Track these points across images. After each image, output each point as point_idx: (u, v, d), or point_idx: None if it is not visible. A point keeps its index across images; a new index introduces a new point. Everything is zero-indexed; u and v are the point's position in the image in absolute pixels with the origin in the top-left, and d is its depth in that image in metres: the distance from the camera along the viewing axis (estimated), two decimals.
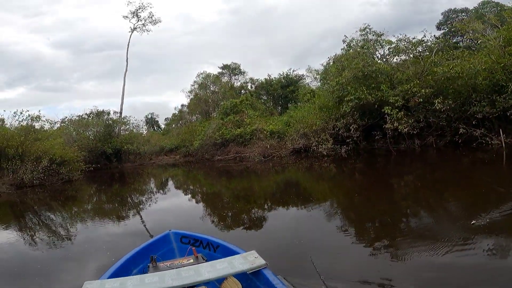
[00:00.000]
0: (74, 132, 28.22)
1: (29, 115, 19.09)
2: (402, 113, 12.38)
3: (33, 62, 57.33)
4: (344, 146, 15.26)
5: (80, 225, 7.93)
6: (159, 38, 61.49)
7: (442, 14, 29.61)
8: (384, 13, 50.99)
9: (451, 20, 27.48)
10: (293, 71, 31.32)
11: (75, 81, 59.94)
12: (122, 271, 3.18)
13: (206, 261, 3.22)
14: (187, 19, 65.20)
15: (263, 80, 32.34)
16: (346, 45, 14.01)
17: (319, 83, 28.06)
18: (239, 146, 20.84)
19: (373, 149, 15.51)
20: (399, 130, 12.48)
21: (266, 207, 8.32)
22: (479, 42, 13.40)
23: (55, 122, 27.92)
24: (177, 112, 39.96)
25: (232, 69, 33.86)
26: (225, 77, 33.83)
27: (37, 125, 20.13)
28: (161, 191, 14.94)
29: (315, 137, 15.81)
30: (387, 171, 11.87)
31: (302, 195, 9.73)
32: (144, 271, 3.28)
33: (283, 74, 31.58)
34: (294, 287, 3.08)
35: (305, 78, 31.32)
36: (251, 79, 33.48)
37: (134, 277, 2.89)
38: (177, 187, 16.57)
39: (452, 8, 29.72)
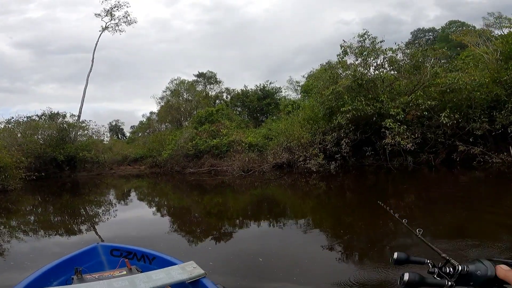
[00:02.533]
0: (19, 135, 23.97)
1: None
2: (405, 127, 11.04)
3: None
4: (333, 162, 13.64)
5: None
6: (131, 43, 57.83)
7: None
8: (355, 32, 52.08)
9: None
10: (270, 83, 29.86)
11: (34, 83, 54.28)
12: (39, 283, 2.73)
13: (141, 272, 2.89)
14: (164, 26, 62.43)
15: (239, 91, 30.50)
16: (342, 51, 12.64)
17: (299, 95, 26.87)
18: (215, 158, 18.46)
19: (363, 166, 14.04)
20: (401, 146, 11.07)
21: (239, 226, 7.35)
22: (469, 56, 12.60)
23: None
24: (144, 120, 36.62)
25: (208, 78, 31.67)
26: (200, 86, 31.51)
27: None
28: (120, 203, 12.66)
29: (302, 151, 14.03)
30: (384, 191, 10.31)
31: (283, 216, 8.09)
32: (67, 283, 2.87)
33: (260, 86, 30.02)
34: None
35: (281, 91, 29.99)
36: (227, 89, 31.52)
37: None
38: (139, 200, 14.13)
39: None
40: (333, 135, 13.19)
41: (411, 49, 12.15)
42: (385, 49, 12.03)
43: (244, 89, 30.39)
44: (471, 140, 11.25)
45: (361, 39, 12.60)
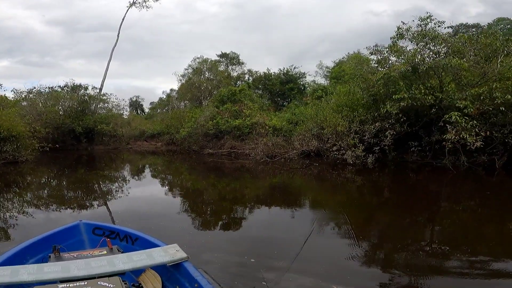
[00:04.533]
0: (40, 105, 22.78)
1: None
2: (474, 122, 8.83)
3: (22, 37, 52.27)
4: (370, 155, 11.59)
5: None
6: (156, 23, 56.19)
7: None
8: (385, 24, 48.22)
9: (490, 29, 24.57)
10: (294, 68, 27.45)
11: (63, 58, 54.11)
12: (15, 260, 2.56)
13: (122, 253, 2.73)
14: (188, 7, 59.68)
15: (262, 74, 28.26)
16: (397, 34, 10.32)
17: (326, 81, 24.45)
18: (235, 140, 16.65)
19: (404, 162, 11.94)
20: (469, 143, 8.90)
21: (251, 217, 6.27)
22: None
23: (21, 92, 22.51)
24: (164, 97, 35.02)
25: (231, 59, 29.45)
26: (222, 66, 29.35)
27: None
28: (133, 180, 11.64)
29: (337, 140, 12.03)
30: (431, 193, 8.30)
31: (309, 214, 6.51)
32: (43, 261, 2.64)
33: (283, 69, 27.66)
34: (214, 280, 2.88)
35: (305, 76, 27.55)
36: (250, 71, 29.27)
37: (30, 265, 2.36)
38: (153, 178, 13.03)
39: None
40: (375, 125, 11.07)
41: (482, 37, 9.65)
42: (456, 35, 9.67)
43: (267, 72, 28.13)
44: None
45: (423, 22, 10.21)
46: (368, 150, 11.66)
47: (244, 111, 17.60)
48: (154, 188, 10.21)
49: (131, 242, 3.14)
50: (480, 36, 9.84)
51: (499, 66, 9.37)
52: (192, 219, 6.09)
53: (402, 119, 10.29)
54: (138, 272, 2.56)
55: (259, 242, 4.57)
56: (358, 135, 11.95)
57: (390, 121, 10.69)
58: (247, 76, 29.13)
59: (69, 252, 2.71)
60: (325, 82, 24.35)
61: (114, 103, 25.90)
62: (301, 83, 27.39)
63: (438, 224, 5.83)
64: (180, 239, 4.07)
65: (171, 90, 33.59)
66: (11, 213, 6.27)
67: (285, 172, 12.12)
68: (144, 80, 65.01)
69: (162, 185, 11.25)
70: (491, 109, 9.02)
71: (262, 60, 47.07)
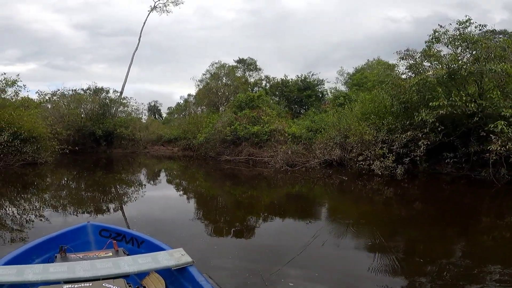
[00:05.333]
0: (64, 107, 23.03)
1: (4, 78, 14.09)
2: None
3: (48, 40, 54.02)
4: (399, 166, 10.64)
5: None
6: (174, 29, 56.97)
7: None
8: (405, 31, 46.75)
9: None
10: (312, 74, 26.66)
11: (86, 62, 55.60)
12: (21, 260, 2.55)
13: (128, 255, 2.71)
14: (206, 13, 60.31)
15: (279, 80, 27.64)
16: (433, 38, 9.44)
17: (346, 88, 23.53)
18: (254, 147, 16.01)
19: (437, 174, 10.91)
20: None
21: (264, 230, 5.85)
22: None
23: (45, 94, 22.82)
24: (182, 102, 34.99)
25: (248, 64, 29.03)
26: (239, 72, 28.98)
27: (10, 91, 15.09)
28: (149, 185, 11.50)
29: (363, 149, 11.16)
30: (471, 209, 7.32)
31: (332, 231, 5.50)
32: (49, 261, 2.61)
33: (301, 76, 26.94)
34: (218, 285, 2.74)
35: (323, 83, 26.68)
36: (267, 77, 28.70)
37: (36, 265, 2.36)
38: (168, 183, 12.66)
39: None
40: (407, 134, 10.14)
41: None
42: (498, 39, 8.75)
43: (284, 78, 27.49)
44: None
45: (461, 26, 9.31)
46: (396, 160, 10.73)
47: (262, 117, 16.98)
48: (169, 193, 9.95)
49: (137, 244, 3.09)
50: None
51: None
52: (204, 226, 5.97)
53: (439, 128, 9.32)
54: (142, 275, 2.51)
55: (269, 252, 4.38)
56: (386, 145, 11.05)
57: (424, 130, 9.74)
58: (264, 82, 28.59)
59: (76, 253, 2.67)
60: (345, 89, 23.40)
61: (133, 107, 26.02)
62: (319, 90, 26.56)
63: (473, 240, 5.11)
64: (190, 244, 4.17)
65: (189, 95, 33.49)
66: (26, 214, 6.19)
67: (306, 182, 11.34)
68: (162, 85, 65.97)
69: (177, 190, 10.95)
70: None
71: (277, 67, 46.58)
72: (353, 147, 11.76)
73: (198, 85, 28.89)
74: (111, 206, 7.47)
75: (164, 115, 44.84)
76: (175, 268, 2.47)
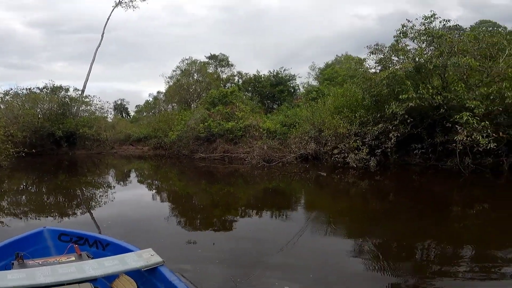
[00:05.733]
0: (17, 107, 20.94)
1: None
2: (487, 122, 8.29)
3: (2, 39, 47.90)
4: (372, 158, 10.94)
5: None
6: (143, 26, 54.27)
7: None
8: (370, 28, 48.40)
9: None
10: (284, 70, 26.73)
11: (44, 61, 51.26)
12: None
13: (92, 258, 2.58)
14: (176, 10, 58.03)
15: (252, 76, 27.39)
16: (400, 33, 9.73)
17: (317, 83, 23.86)
18: (228, 143, 15.65)
19: (407, 165, 11.36)
20: (481, 145, 8.34)
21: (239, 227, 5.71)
22: None
23: None
24: (151, 99, 33.49)
25: (220, 60, 28.40)
26: (211, 68, 28.25)
27: None
28: (119, 186, 10.90)
29: (337, 143, 11.31)
30: (445, 197, 7.71)
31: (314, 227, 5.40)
32: (6, 268, 2.48)
33: (273, 72, 26.91)
34: (192, 284, 2.81)
35: (295, 79, 26.88)
36: (239, 73, 28.30)
37: None
38: (140, 183, 11.95)
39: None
40: (379, 127, 10.41)
41: (487, 36, 9.19)
42: (459, 33, 9.18)
43: (257, 74, 27.29)
44: None
45: (427, 21, 9.68)
46: (369, 153, 11.01)
47: (236, 113, 16.64)
48: (142, 194, 9.43)
49: (102, 247, 2.97)
50: (485, 35, 9.41)
51: (501, 64, 8.92)
52: (180, 225, 5.76)
53: (408, 120, 9.66)
54: (111, 278, 2.42)
55: (249, 250, 4.28)
56: (359, 138, 11.29)
57: (394, 123, 10.05)
58: (236, 78, 28.19)
59: (34, 259, 2.52)
60: (317, 83, 23.76)
61: (97, 106, 24.33)
62: (291, 85, 26.73)
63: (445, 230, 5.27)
64: (166, 244, 4.11)
65: (158, 92, 32.18)
66: None
67: (284, 177, 11.26)
68: (130, 83, 62.76)
69: (151, 190, 10.40)
70: (500, 109, 8.52)
71: (251, 63, 46.36)
72: (328, 141, 11.87)
73: (168, 82, 27.78)
74: (78, 210, 7.04)
75: (132, 113, 42.93)
76: (145, 269, 2.40)
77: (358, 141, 10.68)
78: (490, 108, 8.54)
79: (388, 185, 9.77)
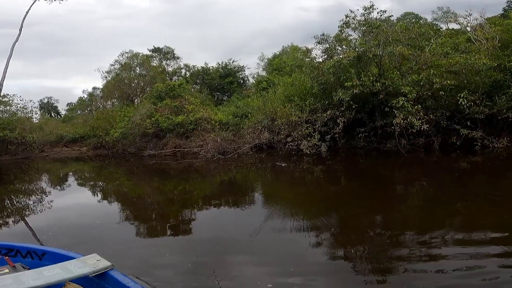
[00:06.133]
0: None
1: None
2: (419, 106, 9.21)
3: None
4: (323, 144, 11.47)
5: None
6: (73, 19, 48.15)
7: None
8: (313, 19, 50.74)
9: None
10: (233, 61, 26.37)
11: None
12: None
13: (29, 269, 2.46)
14: (112, 2, 52.73)
15: (200, 68, 26.45)
16: (344, 23, 10.23)
17: (264, 73, 24.06)
18: (180, 138, 14.88)
19: (353, 148, 12.17)
20: (415, 127, 9.26)
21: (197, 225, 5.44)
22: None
23: None
24: (86, 96, 30.22)
25: (165, 53, 26.71)
26: (155, 61, 26.44)
27: None
28: (56, 191, 9.76)
29: (290, 130, 11.57)
30: (393, 178, 8.52)
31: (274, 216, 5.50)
32: None
33: (222, 63, 26.36)
34: (149, 285, 2.76)
35: (244, 70, 26.74)
36: (186, 65, 27.06)
37: None
38: (83, 187, 10.86)
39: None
40: (327, 113, 10.92)
41: (416, 27, 10.23)
42: (394, 23, 10.00)
43: (205, 66, 26.46)
44: (468, 124, 10.03)
45: (366, 12, 10.36)
46: (320, 139, 11.51)
47: (186, 106, 15.87)
48: (85, 198, 8.46)
49: (37, 258, 2.81)
50: (414, 26, 10.45)
51: (427, 53, 10.04)
52: (134, 228, 5.37)
53: (353, 106, 10.30)
54: (55, 286, 2.29)
55: (209, 248, 4.07)
56: (309, 125, 11.71)
57: (341, 109, 10.63)
58: (183, 70, 26.95)
59: None
60: (266, 74, 24.01)
61: (19, 106, 20.94)
62: (241, 76, 26.55)
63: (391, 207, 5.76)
64: (118, 250, 3.92)
65: (94, 88, 29.16)
66: None
67: (240, 169, 11.13)
68: (58, 80, 55.69)
69: (95, 194, 9.43)
70: (429, 94, 9.60)
71: (198, 56, 44.80)
72: (281, 129, 12.07)
73: (106, 77, 25.24)
74: (10, 220, 6.15)
75: (63, 112, 38.43)
76: (93, 275, 2.29)
77: (309, 128, 11.05)
78: (420, 93, 9.56)
79: (338, 169, 10.33)
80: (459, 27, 12.01)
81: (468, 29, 10.69)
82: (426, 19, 21.61)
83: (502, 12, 18.04)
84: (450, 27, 19.28)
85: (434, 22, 20.90)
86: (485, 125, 10.69)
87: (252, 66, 40.77)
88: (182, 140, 14.66)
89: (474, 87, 9.41)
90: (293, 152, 11.67)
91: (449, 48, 9.71)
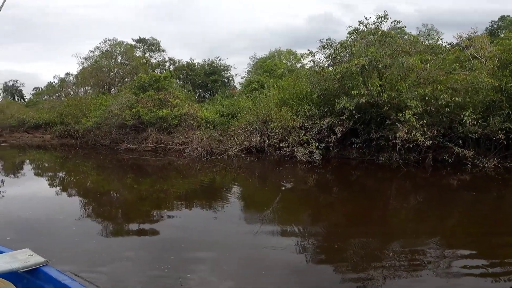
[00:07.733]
0: None
1: None
2: (425, 121, 8.78)
3: None
4: (317, 152, 10.73)
5: None
6: (47, 4, 44.47)
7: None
8: (299, 26, 51.33)
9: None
10: (219, 59, 25.24)
11: None
12: None
13: None
14: None
15: (185, 63, 25.00)
16: (353, 30, 9.72)
17: (248, 74, 23.27)
18: (162, 133, 13.42)
19: (346, 159, 11.57)
20: (419, 142, 8.80)
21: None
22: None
23: None
24: (56, 81, 27.48)
25: (150, 45, 24.95)
26: (138, 52, 24.55)
27: None
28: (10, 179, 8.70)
29: (284, 136, 10.72)
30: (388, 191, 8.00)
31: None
32: None
33: (208, 60, 25.14)
34: (86, 281, 2.69)
35: (230, 69, 25.72)
36: (171, 59, 25.48)
37: None
38: (41, 178, 9.61)
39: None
40: (327, 121, 10.22)
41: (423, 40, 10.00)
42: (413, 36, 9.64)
43: (191, 61, 25.09)
44: (460, 142, 9.85)
45: (378, 20, 9.92)
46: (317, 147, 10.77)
47: (170, 100, 14.49)
48: (42, 190, 7.42)
49: None
50: (420, 39, 10.17)
51: (429, 68, 9.75)
52: (94, 227, 4.78)
53: (355, 116, 9.69)
54: None
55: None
56: (303, 131, 10.96)
57: (341, 118, 9.99)
58: (168, 64, 25.35)
59: None
60: (254, 74, 23.22)
61: None
62: (226, 75, 25.47)
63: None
64: (73, 249, 3.66)
65: (67, 74, 26.54)
66: None
67: (225, 172, 10.07)
68: (25, 64, 51.12)
69: (53, 186, 8.21)
70: (433, 109, 9.25)
71: (177, 52, 42.89)
72: (274, 133, 11.18)
73: (83, 63, 22.92)
74: None
75: (28, 96, 35.03)
76: (23, 270, 2.16)
77: (307, 135, 10.29)
78: (424, 108, 9.19)
79: (331, 179, 9.66)
80: (458, 42, 11.90)
81: (471, 47, 10.60)
82: (411, 34, 22.33)
83: (484, 31, 18.66)
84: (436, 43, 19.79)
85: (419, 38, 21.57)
86: (475, 144, 10.63)
87: (238, 67, 40.06)
88: (164, 136, 13.24)
89: (473, 106, 9.22)
90: (286, 158, 10.80)
91: (457, 64, 9.47)
